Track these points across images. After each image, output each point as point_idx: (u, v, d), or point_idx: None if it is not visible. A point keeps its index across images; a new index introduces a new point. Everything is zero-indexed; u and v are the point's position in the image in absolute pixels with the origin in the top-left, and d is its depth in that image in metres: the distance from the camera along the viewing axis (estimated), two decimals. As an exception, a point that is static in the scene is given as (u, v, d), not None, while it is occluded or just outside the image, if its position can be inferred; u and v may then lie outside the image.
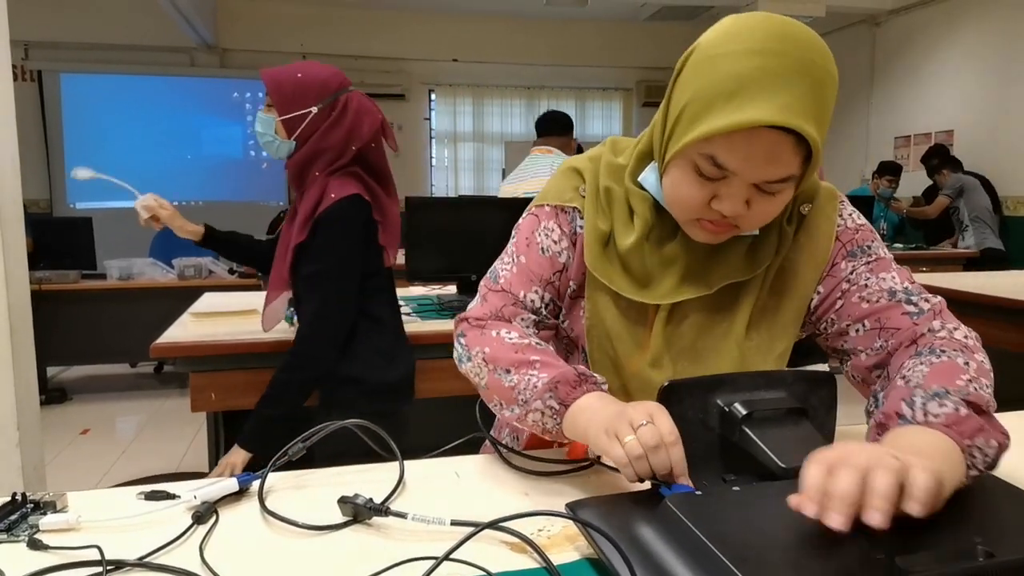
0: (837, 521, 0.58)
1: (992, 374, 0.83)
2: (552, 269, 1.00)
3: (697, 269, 0.94)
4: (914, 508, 0.59)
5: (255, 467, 0.89)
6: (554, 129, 3.71)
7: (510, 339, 0.94)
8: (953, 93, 5.94)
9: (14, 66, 1.92)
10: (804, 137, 0.78)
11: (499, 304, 0.99)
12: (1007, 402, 1.18)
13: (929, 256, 5.07)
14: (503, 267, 1.03)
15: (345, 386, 1.76)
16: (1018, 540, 0.62)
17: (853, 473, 0.59)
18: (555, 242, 1.00)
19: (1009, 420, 1.13)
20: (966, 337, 0.87)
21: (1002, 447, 0.76)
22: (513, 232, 1.05)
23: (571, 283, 1.01)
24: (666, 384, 0.80)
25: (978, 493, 0.72)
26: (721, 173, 0.82)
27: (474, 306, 1.02)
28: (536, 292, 1.00)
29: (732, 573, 0.57)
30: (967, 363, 0.82)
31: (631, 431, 0.73)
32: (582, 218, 0.99)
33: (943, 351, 0.84)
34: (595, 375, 0.88)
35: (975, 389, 0.78)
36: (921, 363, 0.83)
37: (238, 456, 1.67)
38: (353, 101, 1.77)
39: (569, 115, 3.91)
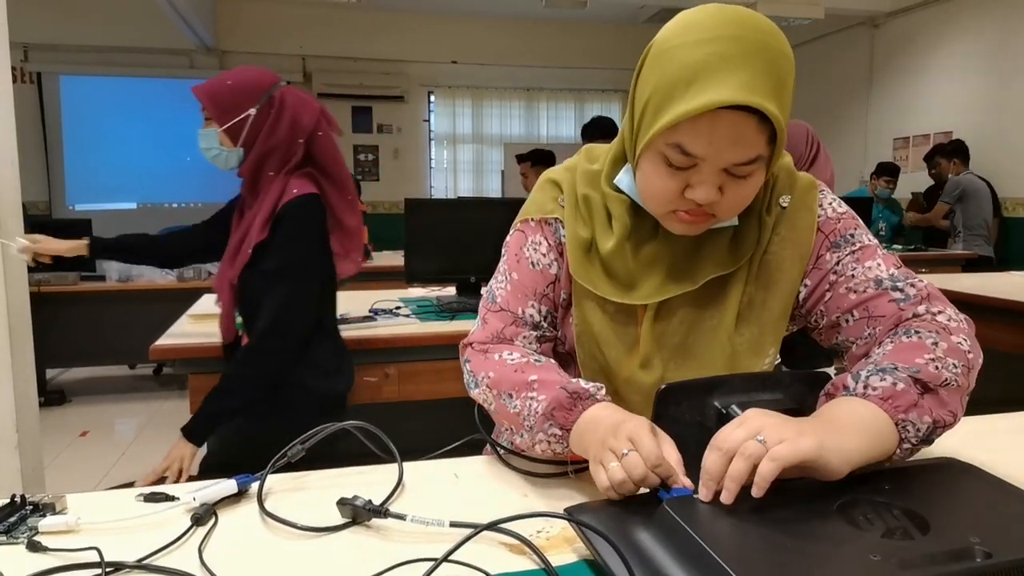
0: (701, 494, 0.70)
1: (971, 356, 0.83)
2: (545, 282, 1.01)
3: (680, 266, 0.94)
4: (754, 492, 0.68)
5: (252, 469, 0.89)
6: (598, 134, 3.92)
7: (511, 360, 0.95)
8: (952, 94, 5.95)
9: (13, 68, 1.92)
10: (767, 117, 0.79)
11: (500, 326, 1.00)
12: (1000, 403, 1.18)
13: (929, 257, 5.07)
14: (498, 286, 1.03)
15: (292, 392, 1.74)
16: (1016, 540, 0.62)
17: (719, 456, 0.70)
18: (544, 255, 1.01)
19: (1004, 421, 1.14)
20: (950, 320, 0.87)
21: (938, 424, 0.78)
22: (503, 250, 1.06)
23: (562, 293, 1.02)
24: (663, 387, 0.81)
25: (976, 493, 0.73)
26: (690, 161, 0.83)
27: (476, 330, 1.03)
28: (533, 307, 1.01)
29: None
30: (936, 343, 0.82)
31: (615, 459, 0.74)
32: (564, 227, 1.00)
33: (917, 331, 0.85)
34: (588, 387, 0.87)
35: (935, 368, 0.79)
36: (890, 343, 0.85)
37: (186, 448, 1.64)
38: (288, 95, 1.76)
39: (614, 120, 4.07)
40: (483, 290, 1.07)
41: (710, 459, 0.71)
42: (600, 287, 0.96)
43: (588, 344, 0.99)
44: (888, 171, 5.74)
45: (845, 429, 0.74)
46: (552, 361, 0.97)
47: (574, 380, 0.89)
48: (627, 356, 0.97)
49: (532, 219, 1.03)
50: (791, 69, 0.83)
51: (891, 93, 6.57)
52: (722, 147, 0.81)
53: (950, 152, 5.48)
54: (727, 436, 0.71)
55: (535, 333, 1.01)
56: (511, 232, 1.06)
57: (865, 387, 0.79)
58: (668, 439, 0.76)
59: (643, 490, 0.76)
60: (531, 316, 1.01)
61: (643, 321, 0.96)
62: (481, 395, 0.97)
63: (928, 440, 0.79)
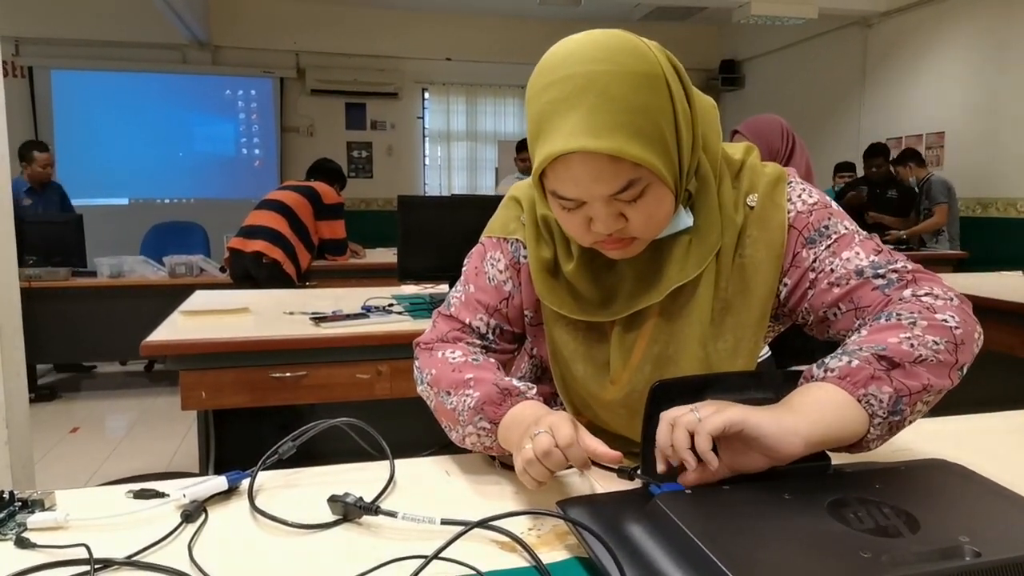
0: (659, 467, 0.76)
1: (958, 331, 0.81)
2: (499, 297, 1.02)
3: (644, 278, 0.93)
4: (710, 468, 0.72)
5: (244, 465, 0.89)
6: (321, 177, 4.10)
7: (453, 359, 0.97)
8: (944, 95, 5.97)
9: (4, 62, 1.91)
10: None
11: (446, 329, 1.03)
12: (989, 403, 1.19)
13: (919, 257, 5.09)
14: (455, 295, 1.06)
15: None
16: (1005, 540, 0.63)
17: (662, 426, 0.76)
18: (500, 272, 1.02)
19: (993, 421, 1.14)
20: (936, 299, 0.85)
21: (900, 393, 0.77)
22: (466, 261, 1.07)
23: (526, 311, 1.03)
24: (656, 384, 0.80)
25: (965, 493, 0.73)
26: (573, 203, 0.84)
27: (427, 331, 1.05)
28: (481, 319, 1.02)
29: (721, 572, 0.57)
30: (914, 323, 0.81)
31: (529, 441, 0.77)
32: (525, 248, 1.00)
33: (898, 314, 0.83)
34: (519, 385, 0.90)
35: (909, 347, 0.79)
36: (867, 327, 0.84)
37: None
38: None
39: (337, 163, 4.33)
40: None
41: (659, 430, 0.76)
42: (566, 307, 0.96)
43: (562, 364, 0.99)
44: (846, 168, 6.07)
45: (791, 407, 0.76)
46: (492, 361, 0.98)
47: (507, 378, 0.93)
48: (601, 372, 0.97)
49: (494, 236, 1.04)
50: (645, 83, 0.79)
51: (884, 93, 6.59)
52: (587, 185, 0.81)
53: (903, 158, 5.57)
54: (671, 410, 0.76)
55: (480, 342, 1.03)
56: (477, 244, 1.07)
57: (825, 371, 0.80)
58: (588, 433, 0.79)
59: (636, 484, 0.76)
60: (477, 328, 1.02)
61: (612, 337, 0.96)
62: (424, 392, 1.00)
63: (898, 412, 0.78)
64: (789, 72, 7.71)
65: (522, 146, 5.56)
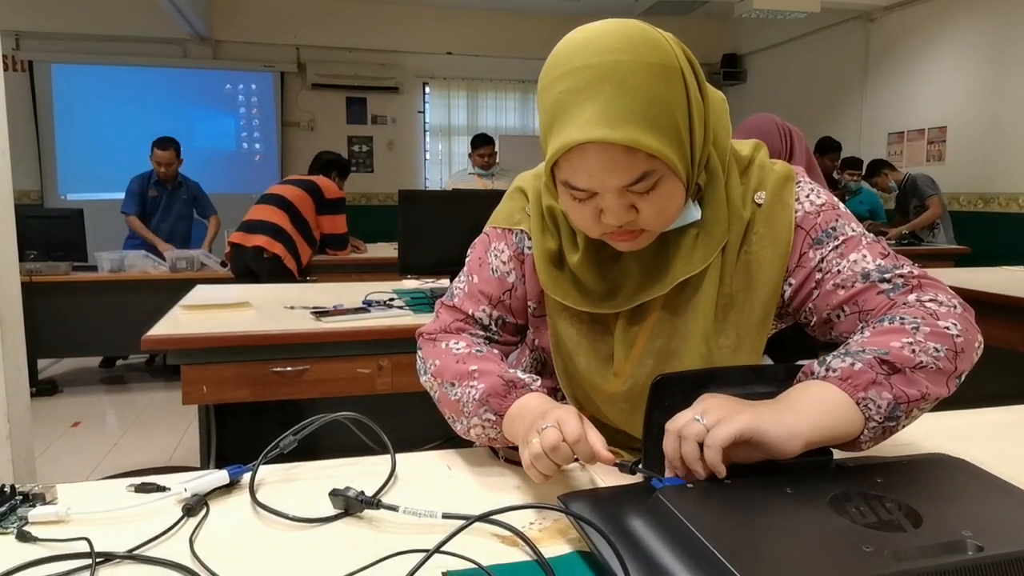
0: (668, 475, 0.76)
1: (959, 340, 0.82)
2: (502, 288, 1.02)
3: (650, 270, 0.92)
4: (718, 476, 0.72)
5: (245, 459, 0.89)
6: (321, 170, 4.14)
7: (457, 350, 0.97)
8: (946, 89, 5.96)
9: (4, 56, 1.90)
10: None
11: (449, 320, 1.03)
12: (990, 397, 1.19)
13: (922, 252, 5.08)
14: (458, 285, 1.06)
15: None
16: (1008, 534, 0.62)
17: (668, 437, 0.75)
18: (504, 263, 1.02)
19: (993, 415, 1.14)
20: (940, 305, 0.85)
21: (899, 400, 0.78)
22: (469, 250, 1.07)
23: (529, 303, 1.03)
24: (658, 377, 0.80)
25: (967, 487, 0.73)
26: (585, 193, 0.84)
27: (430, 321, 1.05)
28: (484, 311, 1.02)
29: (723, 566, 0.57)
30: (917, 328, 0.81)
31: (537, 435, 0.78)
32: (530, 239, 1.00)
33: (902, 318, 0.83)
34: (523, 377, 0.91)
35: (911, 352, 0.79)
36: (871, 329, 0.84)
37: None
38: None
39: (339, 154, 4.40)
40: None
41: (666, 441, 0.75)
42: (571, 298, 0.96)
43: (564, 356, 0.99)
44: (852, 165, 5.96)
45: (792, 407, 0.76)
46: (495, 352, 0.99)
47: (511, 370, 0.93)
48: (604, 364, 0.97)
49: (498, 227, 1.04)
50: (662, 74, 0.79)
51: (886, 88, 6.58)
52: (600, 176, 0.81)
53: (875, 169, 5.61)
54: (675, 418, 0.76)
55: (483, 333, 1.03)
56: (481, 234, 1.07)
57: (827, 370, 0.80)
58: (593, 427, 0.80)
59: (637, 478, 0.75)
60: (480, 319, 1.02)
61: (615, 329, 0.95)
62: (427, 382, 1.01)
63: (894, 418, 0.78)
64: (791, 66, 7.70)
65: (478, 141, 5.52)
